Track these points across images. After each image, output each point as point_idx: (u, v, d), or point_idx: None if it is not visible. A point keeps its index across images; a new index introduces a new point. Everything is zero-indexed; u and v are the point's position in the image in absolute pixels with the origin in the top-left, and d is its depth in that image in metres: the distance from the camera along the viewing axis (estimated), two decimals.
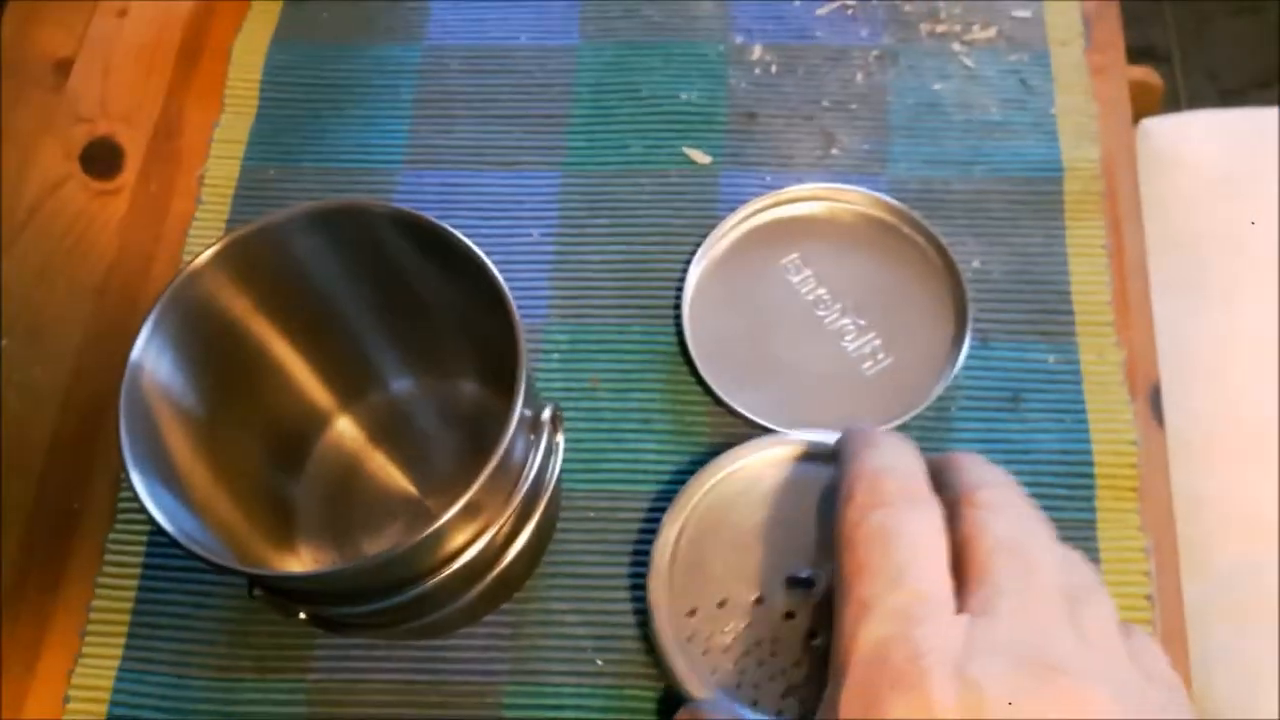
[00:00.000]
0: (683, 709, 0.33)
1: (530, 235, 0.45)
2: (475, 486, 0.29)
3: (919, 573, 0.27)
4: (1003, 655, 0.25)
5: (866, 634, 0.26)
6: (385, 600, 0.31)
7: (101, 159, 0.49)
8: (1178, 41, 1.26)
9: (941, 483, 0.30)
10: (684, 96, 0.48)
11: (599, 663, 0.38)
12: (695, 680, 0.33)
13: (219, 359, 0.35)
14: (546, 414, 0.33)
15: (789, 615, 0.34)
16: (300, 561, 0.38)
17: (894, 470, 0.30)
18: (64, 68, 0.51)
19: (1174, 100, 1.20)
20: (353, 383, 0.41)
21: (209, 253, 0.33)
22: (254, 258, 0.34)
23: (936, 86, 0.47)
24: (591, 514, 0.40)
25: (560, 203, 0.46)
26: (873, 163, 0.46)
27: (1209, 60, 1.25)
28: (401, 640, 0.38)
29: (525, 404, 0.30)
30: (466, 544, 0.31)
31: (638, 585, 0.39)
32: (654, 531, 0.37)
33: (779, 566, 0.34)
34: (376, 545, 0.39)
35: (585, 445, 0.41)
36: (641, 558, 0.39)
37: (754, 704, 0.33)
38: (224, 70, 0.50)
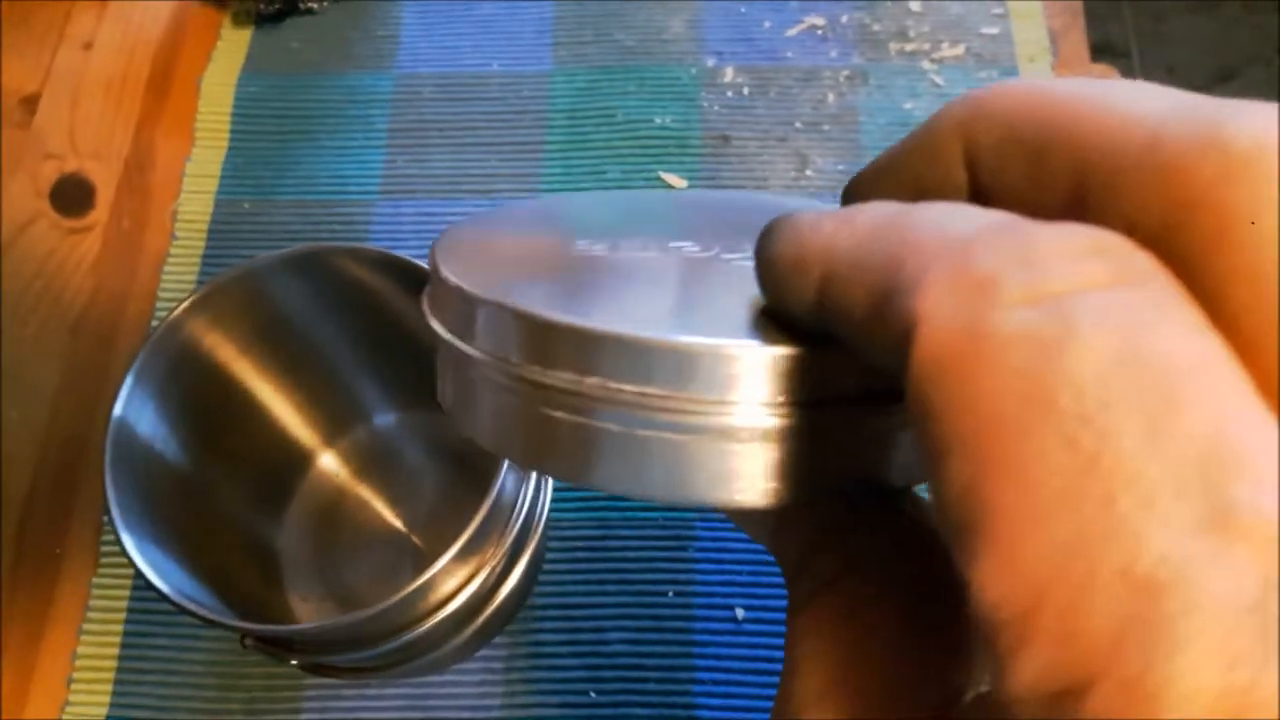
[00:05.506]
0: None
1: None
2: (470, 530, 0.29)
3: None
4: None
5: None
6: (378, 647, 0.31)
7: (72, 196, 0.48)
8: (1135, 39, 1.27)
9: None
10: (659, 120, 0.48)
11: (592, 695, 0.38)
12: None
13: (202, 407, 0.34)
14: None
15: None
16: (289, 603, 0.38)
17: None
18: (30, 103, 0.50)
19: None
20: (336, 418, 0.41)
21: (187, 302, 0.32)
22: (233, 304, 0.34)
23: (907, 105, 0.48)
24: (580, 544, 0.40)
25: None
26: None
27: (1167, 56, 1.27)
28: (394, 679, 0.38)
29: None
30: (460, 587, 0.31)
31: (630, 616, 0.39)
32: (647, 561, 0.37)
33: None
34: (364, 585, 0.39)
35: None
36: (633, 588, 0.39)
37: None
38: (194, 102, 0.50)
